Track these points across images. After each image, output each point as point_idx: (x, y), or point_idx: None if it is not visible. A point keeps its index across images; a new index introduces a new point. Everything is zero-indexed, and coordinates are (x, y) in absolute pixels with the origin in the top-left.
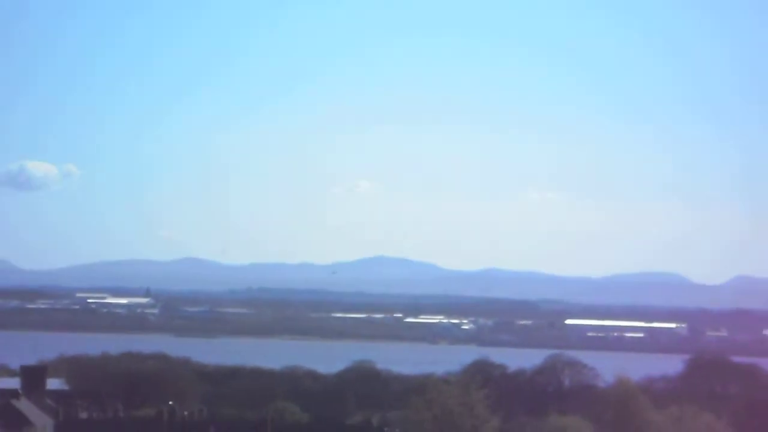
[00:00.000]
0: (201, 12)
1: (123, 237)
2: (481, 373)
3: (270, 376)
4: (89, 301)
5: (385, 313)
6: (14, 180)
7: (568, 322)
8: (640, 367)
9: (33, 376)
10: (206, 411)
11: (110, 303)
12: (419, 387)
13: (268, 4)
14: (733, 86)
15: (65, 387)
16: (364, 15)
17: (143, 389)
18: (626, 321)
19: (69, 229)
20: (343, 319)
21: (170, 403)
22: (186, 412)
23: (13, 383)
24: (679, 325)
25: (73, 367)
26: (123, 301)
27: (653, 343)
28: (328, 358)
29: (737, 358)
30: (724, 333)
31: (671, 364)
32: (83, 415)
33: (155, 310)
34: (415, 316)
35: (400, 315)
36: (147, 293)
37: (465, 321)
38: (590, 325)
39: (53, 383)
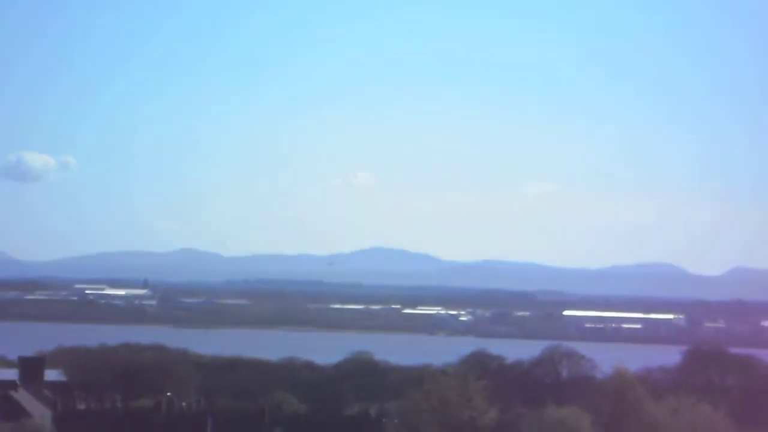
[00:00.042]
0: (193, 3)
1: (121, 228)
2: (479, 364)
3: (268, 367)
4: (87, 292)
5: (383, 304)
6: (12, 171)
7: (566, 313)
8: (638, 358)
9: (31, 367)
10: (204, 402)
11: (108, 294)
12: (417, 378)
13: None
14: (733, 84)
15: (63, 378)
16: (362, 12)
17: (141, 380)
18: (624, 312)
19: (67, 220)
20: (341, 310)
21: (168, 394)
22: (184, 403)
23: (11, 374)
24: (677, 316)
25: (71, 358)
26: (121, 292)
27: (651, 334)
28: (326, 349)
29: (735, 350)
30: (722, 324)
31: (669, 356)
32: (81, 406)
33: (153, 302)
34: (413, 307)
35: (398, 306)
36: (145, 284)
37: (463, 312)
38: (588, 316)
39: (51, 374)
